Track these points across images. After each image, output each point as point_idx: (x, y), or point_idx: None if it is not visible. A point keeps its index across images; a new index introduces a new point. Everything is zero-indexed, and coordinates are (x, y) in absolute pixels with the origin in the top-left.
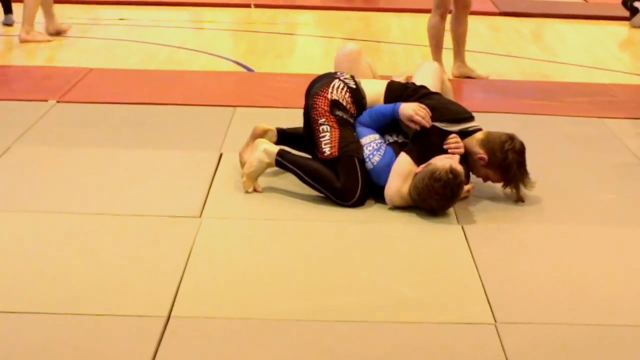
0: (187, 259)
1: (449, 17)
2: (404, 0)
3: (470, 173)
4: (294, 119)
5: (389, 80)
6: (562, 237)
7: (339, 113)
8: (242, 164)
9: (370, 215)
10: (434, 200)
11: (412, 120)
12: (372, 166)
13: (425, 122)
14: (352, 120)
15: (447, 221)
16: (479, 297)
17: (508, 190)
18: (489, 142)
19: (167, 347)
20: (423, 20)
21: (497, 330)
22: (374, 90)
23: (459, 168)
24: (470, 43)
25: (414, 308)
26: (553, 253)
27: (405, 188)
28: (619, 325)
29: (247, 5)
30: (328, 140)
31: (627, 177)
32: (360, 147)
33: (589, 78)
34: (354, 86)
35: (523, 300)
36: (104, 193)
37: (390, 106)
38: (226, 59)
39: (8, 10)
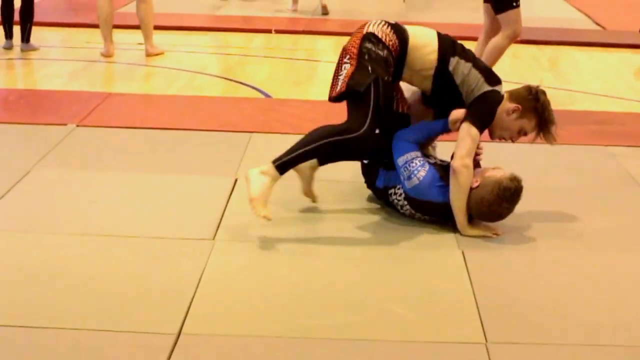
0: (200, 279)
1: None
2: None
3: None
4: None
5: (436, 31)
6: (559, 262)
7: (368, 45)
8: None
9: (372, 239)
10: (504, 209)
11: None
12: (417, 182)
13: None
14: (382, 54)
15: (448, 246)
16: (473, 318)
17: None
18: (514, 95)
19: None
20: None
21: (487, 350)
22: (422, 35)
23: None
24: None
25: (408, 327)
26: (550, 278)
27: (471, 162)
28: (606, 345)
29: (268, 31)
30: (343, 75)
31: (628, 204)
32: (372, 75)
33: (599, 106)
34: (392, 22)
35: (515, 322)
36: (121, 215)
37: (439, 123)
38: (245, 84)
39: (9, 36)
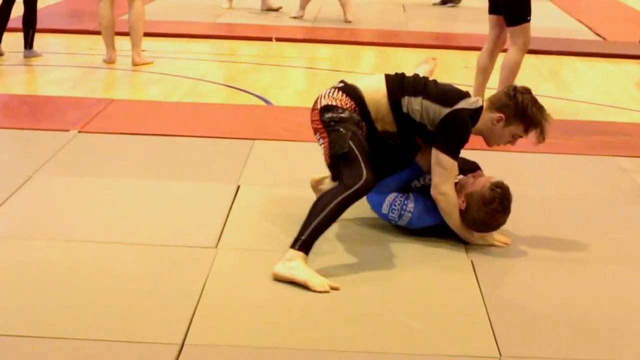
0: (202, 288)
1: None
2: (422, 37)
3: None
4: (312, 153)
5: (383, 74)
6: (569, 274)
7: (328, 115)
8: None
9: (381, 250)
10: (499, 218)
11: None
12: (410, 215)
13: None
14: (344, 115)
15: (457, 257)
16: (486, 331)
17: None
18: (495, 102)
19: None
20: (437, 56)
21: None
22: (371, 84)
23: (494, 179)
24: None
25: (421, 340)
26: (560, 290)
27: (449, 188)
28: None
29: (269, 39)
30: (324, 151)
31: (636, 214)
32: (347, 134)
33: (603, 116)
34: (340, 85)
35: (528, 336)
36: (123, 222)
37: (409, 170)
38: (246, 92)
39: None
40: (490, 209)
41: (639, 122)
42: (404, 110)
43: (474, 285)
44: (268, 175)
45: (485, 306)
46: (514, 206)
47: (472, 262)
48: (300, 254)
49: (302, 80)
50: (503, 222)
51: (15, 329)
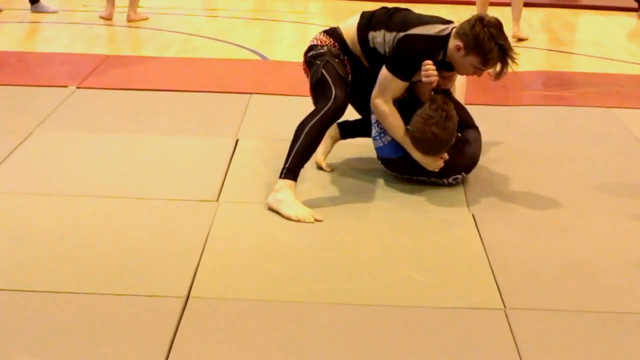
0: (205, 242)
1: None
2: None
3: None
4: (307, 107)
5: (361, 12)
6: (571, 225)
7: (310, 54)
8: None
9: (382, 204)
10: (432, 126)
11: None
12: (386, 142)
13: (433, 78)
14: (323, 50)
15: (458, 209)
16: (489, 283)
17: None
18: (459, 30)
19: (186, 326)
20: (432, 11)
21: (506, 316)
22: (348, 23)
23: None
24: None
25: (425, 293)
26: (562, 241)
27: (381, 101)
28: (627, 313)
29: None
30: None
31: (634, 166)
32: (321, 63)
33: (597, 68)
34: (327, 28)
35: (532, 287)
36: (124, 177)
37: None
38: (241, 46)
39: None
40: (432, 128)
41: (633, 74)
42: (371, 45)
43: (475, 237)
44: (266, 129)
45: (488, 258)
46: (511, 158)
47: (473, 215)
48: (287, 182)
49: (295, 34)
50: (443, 137)
51: (18, 284)
